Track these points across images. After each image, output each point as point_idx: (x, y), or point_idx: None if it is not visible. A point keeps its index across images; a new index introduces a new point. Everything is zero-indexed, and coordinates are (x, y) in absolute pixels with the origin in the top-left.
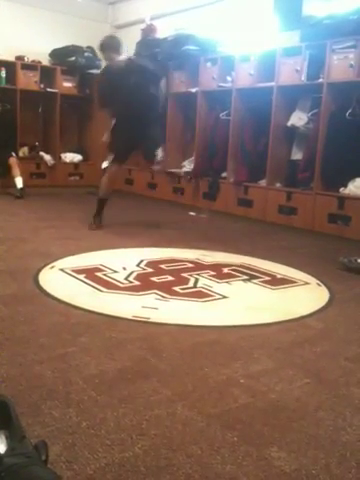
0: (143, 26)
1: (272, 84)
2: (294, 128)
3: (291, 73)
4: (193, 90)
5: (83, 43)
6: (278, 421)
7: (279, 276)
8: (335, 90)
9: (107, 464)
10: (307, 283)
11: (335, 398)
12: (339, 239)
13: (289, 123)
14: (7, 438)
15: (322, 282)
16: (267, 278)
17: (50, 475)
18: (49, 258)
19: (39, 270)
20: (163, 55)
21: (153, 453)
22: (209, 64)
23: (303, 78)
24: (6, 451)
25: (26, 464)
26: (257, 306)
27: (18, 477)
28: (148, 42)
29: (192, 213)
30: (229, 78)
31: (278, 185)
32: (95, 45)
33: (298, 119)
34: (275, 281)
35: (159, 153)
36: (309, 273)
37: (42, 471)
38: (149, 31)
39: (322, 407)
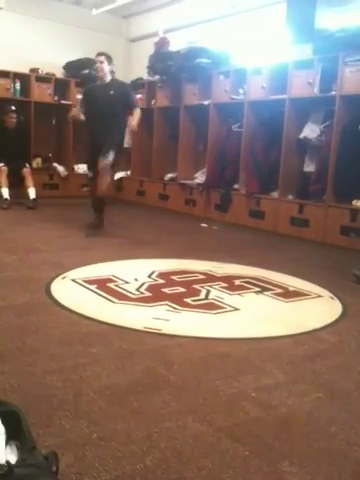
0: (156, 39)
1: (284, 96)
2: (306, 140)
3: (303, 86)
4: (205, 103)
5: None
6: (290, 435)
7: (291, 288)
8: (348, 102)
9: (117, 476)
10: (320, 296)
11: (347, 412)
12: (352, 252)
13: (301, 135)
14: (18, 448)
15: (335, 295)
16: (279, 290)
17: None
18: (61, 268)
19: (51, 280)
20: (176, 68)
21: (164, 466)
22: (221, 77)
23: (315, 91)
24: (17, 462)
25: (37, 475)
26: (269, 319)
27: None
28: (161, 55)
29: (204, 224)
30: (241, 90)
31: (290, 197)
32: None
33: (310, 131)
34: (287, 293)
35: (110, 156)
36: (322, 286)
37: None
38: (162, 44)
39: (334, 421)
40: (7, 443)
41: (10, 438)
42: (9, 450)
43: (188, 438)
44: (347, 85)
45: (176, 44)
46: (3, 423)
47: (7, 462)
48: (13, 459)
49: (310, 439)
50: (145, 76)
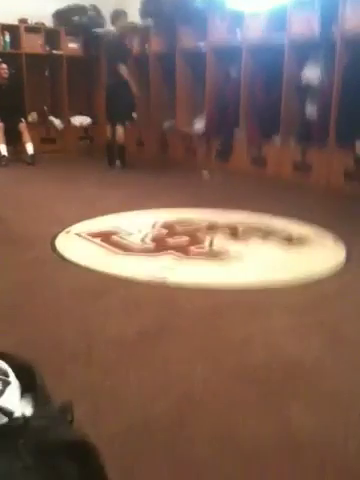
0: None
1: (283, 38)
2: (308, 82)
3: (303, 26)
4: (202, 44)
5: (86, 2)
6: (297, 378)
7: (295, 234)
8: (349, 42)
9: (131, 423)
10: (324, 241)
11: (353, 355)
12: (355, 196)
13: (303, 77)
14: (33, 401)
15: (339, 239)
16: (283, 237)
17: (76, 435)
18: (65, 223)
19: (56, 235)
20: (170, 9)
21: (175, 410)
22: (218, 19)
23: (315, 31)
24: (32, 414)
25: (53, 426)
26: (274, 266)
27: (45, 439)
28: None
29: (205, 172)
30: (238, 30)
31: (292, 143)
32: (98, 3)
33: (311, 73)
34: (291, 240)
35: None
36: (326, 231)
37: (68, 431)
38: None
39: (340, 364)
40: (22, 396)
41: (25, 391)
42: (24, 403)
43: (198, 382)
44: (348, 25)
45: None
46: (17, 377)
47: (23, 414)
48: (29, 411)
49: (316, 382)
50: (138, 20)
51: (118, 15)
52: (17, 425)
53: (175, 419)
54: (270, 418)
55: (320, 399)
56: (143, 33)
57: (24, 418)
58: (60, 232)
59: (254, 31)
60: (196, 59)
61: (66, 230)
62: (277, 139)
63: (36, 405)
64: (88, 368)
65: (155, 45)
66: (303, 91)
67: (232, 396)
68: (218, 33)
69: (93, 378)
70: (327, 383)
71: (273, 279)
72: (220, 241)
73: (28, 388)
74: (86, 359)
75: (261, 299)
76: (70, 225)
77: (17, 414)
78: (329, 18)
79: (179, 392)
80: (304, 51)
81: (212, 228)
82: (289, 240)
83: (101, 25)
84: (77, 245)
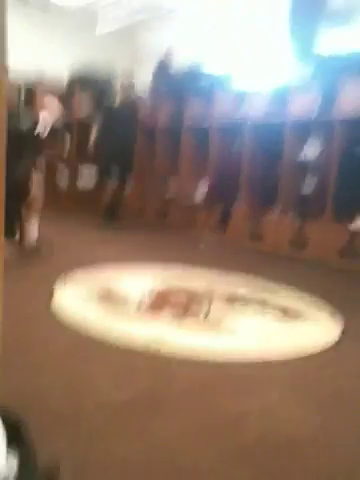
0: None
1: (284, 119)
2: (306, 161)
3: (303, 107)
4: (205, 124)
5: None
6: (293, 458)
7: (291, 307)
8: (347, 125)
9: None
10: (320, 314)
11: (350, 434)
12: (351, 272)
13: (302, 155)
14: (18, 458)
15: (334, 315)
16: (279, 310)
17: None
18: (63, 278)
19: (52, 292)
20: (177, 87)
21: None
22: (222, 98)
23: (315, 113)
24: (16, 473)
25: None
26: (269, 340)
27: None
28: (163, 74)
29: (202, 245)
30: (241, 111)
31: (289, 216)
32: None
33: (310, 152)
34: (287, 313)
35: None
36: (322, 306)
37: None
38: (165, 64)
39: (338, 444)
40: (7, 448)
41: (10, 447)
42: (9, 456)
43: (189, 461)
44: (346, 108)
45: (178, 64)
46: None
47: (5, 474)
48: (13, 469)
49: (312, 462)
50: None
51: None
52: None
53: None
54: None
55: (317, 477)
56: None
57: (5, 477)
58: (57, 289)
59: (256, 109)
60: (200, 134)
61: (62, 288)
62: (275, 213)
63: (21, 462)
64: (74, 435)
65: (162, 120)
66: (302, 169)
67: (227, 476)
68: (222, 110)
69: (79, 446)
70: (325, 463)
71: (268, 353)
72: (216, 312)
73: (14, 444)
74: (73, 425)
75: (256, 374)
76: (66, 281)
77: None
78: (329, 99)
79: (169, 471)
80: (304, 129)
81: (208, 298)
82: (285, 313)
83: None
84: (73, 304)
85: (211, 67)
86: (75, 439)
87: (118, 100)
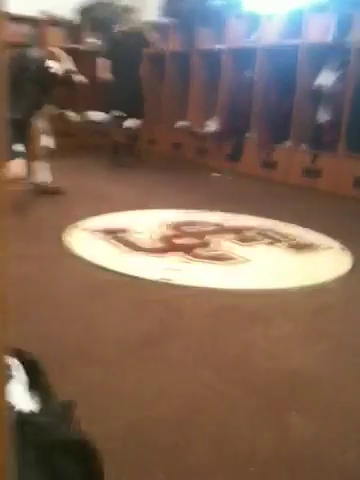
0: None
1: (298, 42)
2: (321, 89)
3: (319, 31)
4: (218, 47)
5: None
6: (297, 387)
7: (302, 240)
8: None
9: (131, 423)
10: (330, 248)
11: (356, 364)
12: None
13: (316, 83)
14: (36, 397)
15: (346, 247)
16: (290, 242)
17: (77, 433)
18: (75, 218)
19: (64, 230)
20: (188, 10)
21: (175, 413)
22: (235, 20)
23: (331, 37)
24: (35, 410)
25: (54, 423)
26: (279, 271)
27: (46, 436)
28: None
29: (215, 174)
30: (253, 36)
31: (303, 147)
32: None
33: (325, 79)
34: (298, 245)
35: None
36: (333, 237)
37: (69, 430)
38: None
39: (343, 373)
40: (26, 391)
41: (30, 386)
42: (29, 398)
43: (198, 388)
44: None
45: None
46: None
47: (26, 410)
48: (31, 407)
49: (318, 391)
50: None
51: (128, 11)
52: (19, 420)
53: (174, 422)
54: (269, 426)
55: (321, 408)
56: (162, 32)
57: (27, 413)
58: (69, 227)
59: (270, 34)
60: (212, 60)
61: (75, 225)
62: (288, 143)
63: (39, 401)
64: (90, 367)
65: (173, 44)
66: (316, 96)
67: (232, 403)
68: (235, 35)
69: (94, 376)
70: (328, 391)
71: (278, 284)
72: (226, 244)
73: (33, 384)
74: (88, 357)
75: (265, 304)
76: (80, 220)
77: (20, 408)
78: (345, 24)
79: (179, 395)
80: (319, 56)
81: (219, 231)
82: (295, 246)
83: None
84: (86, 241)
85: None
86: (91, 371)
87: (124, 27)
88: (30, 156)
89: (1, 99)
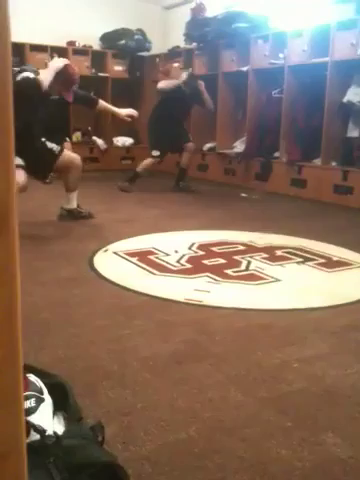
0: (193, 6)
1: (326, 59)
2: (350, 105)
3: (346, 47)
4: (244, 69)
5: (133, 26)
6: (333, 407)
7: (335, 258)
8: None
9: (162, 445)
10: None
11: None
12: None
13: (345, 99)
14: (65, 419)
15: None
16: (322, 260)
17: (106, 456)
18: (103, 241)
19: (94, 253)
20: (213, 34)
21: (207, 435)
22: (260, 41)
23: (359, 52)
24: (64, 432)
25: (83, 445)
26: (311, 289)
27: (75, 458)
28: (198, 21)
29: (244, 194)
30: (281, 55)
31: (333, 164)
32: (145, 27)
33: (354, 95)
34: (330, 263)
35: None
36: None
37: (98, 452)
38: (199, 10)
39: None
40: (54, 414)
41: (57, 409)
42: (56, 421)
43: (231, 408)
44: None
45: (213, 10)
46: (50, 394)
47: (55, 433)
48: (60, 430)
49: (354, 411)
50: (182, 44)
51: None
52: (49, 443)
53: (206, 445)
54: (305, 447)
55: (357, 428)
56: (187, 56)
57: (56, 436)
58: (98, 250)
59: (296, 52)
60: (238, 81)
61: (104, 248)
62: (317, 161)
63: (68, 424)
64: (120, 389)
65: (198, 68)
66: (346, 112)
67: (265, 423)
68: (260, 54)
69: (125, 398)
70: None
71: (310, 302)
72: (257, 264)
73: (60, 406)
74: (119, 379)
75: (297, 323)
76: (109, 243)
77: (49, 432)
78: None
79: (211, 417)
80: (347, 72)
81: (249, 251)
82: (327, 264)
83: (147, 48)
84: (114, 264)
85: (247, 9)
86: (121, 393)
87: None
88: (65, 186)
89: (6, 111)
